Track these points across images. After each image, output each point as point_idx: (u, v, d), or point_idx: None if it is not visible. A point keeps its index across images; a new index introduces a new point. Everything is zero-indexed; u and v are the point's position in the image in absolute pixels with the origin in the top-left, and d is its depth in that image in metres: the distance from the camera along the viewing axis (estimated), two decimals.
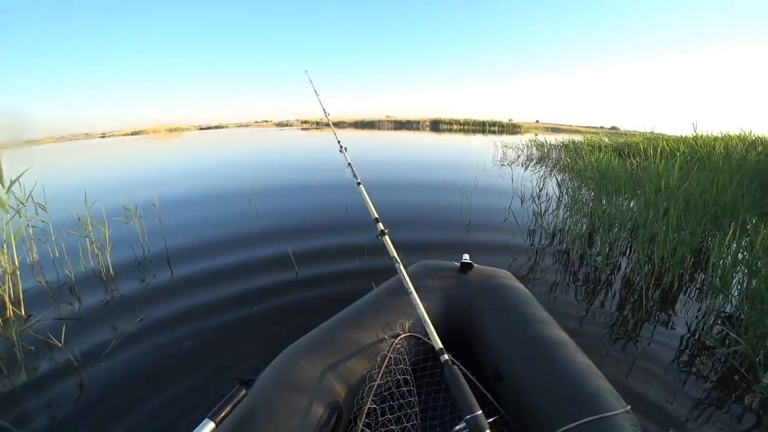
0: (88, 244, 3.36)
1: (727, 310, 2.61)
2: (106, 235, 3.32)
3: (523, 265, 3.29)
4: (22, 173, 3.01)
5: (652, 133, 11.61)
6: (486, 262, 3.22)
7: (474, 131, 33.81)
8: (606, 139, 11.49)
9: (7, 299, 2.52)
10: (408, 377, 1.51)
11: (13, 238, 2.78)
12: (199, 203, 5.62)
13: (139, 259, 3.42)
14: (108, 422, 1.71)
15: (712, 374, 2.05)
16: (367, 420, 1.37)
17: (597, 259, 3.24)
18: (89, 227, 3.42)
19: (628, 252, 3.59)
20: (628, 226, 3.70)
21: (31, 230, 3.38)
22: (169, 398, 1.84)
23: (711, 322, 2.52)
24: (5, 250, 2.78)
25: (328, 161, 10.24)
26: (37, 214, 3.53)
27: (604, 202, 4.38)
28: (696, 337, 2.36)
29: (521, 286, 1.97)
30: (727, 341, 2.25)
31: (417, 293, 1.74)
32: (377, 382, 1.42)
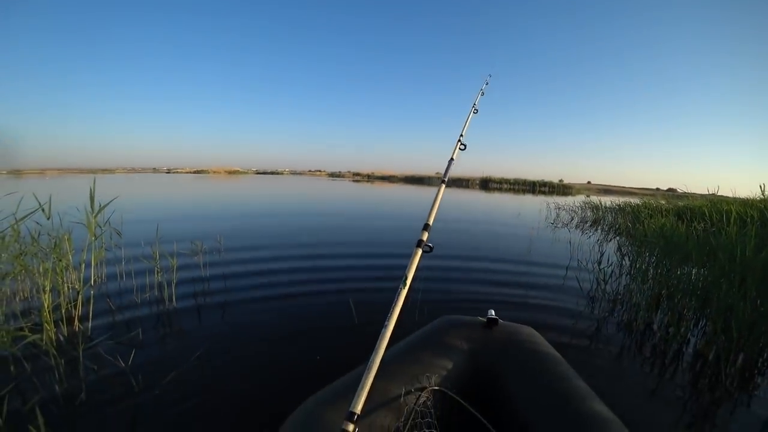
0: (156, 272, 3.54)
1: None
2: (174, 267, 3.49)
3: (585, 331, 3.13)
4: (110, 201, 3.27)
5: (714, 195, 10.98)
6: (545, 325, 3.11)
7: (524, 191, 33.42)
8: (664, 202, 10.97)
9: (75, 316, 2.67)
10: (434, 431, 1.46)
11: (93, 259, 2.97)
12: (260, 243, 5.84)
13: (200, 294, 3.53)
14: None
15: None
16: None
17: (670, 329, 3.02)
18: (157, 257, 3.61)
19: (698, 324, 3.33)
20: (699, 295, 3.46)
21: (104, 254, 3.61)
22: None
23: None
24: (82, 270, 2.97)
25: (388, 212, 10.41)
26: (111, 239, 3.77)
27: (669, 269, 4.15)
28: None
29: (546, 342, 1.96)
30: None
31: (442, 346, 1.82)
32: None
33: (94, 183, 3.07)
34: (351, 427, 0.99)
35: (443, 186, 1.66)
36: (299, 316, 3.21)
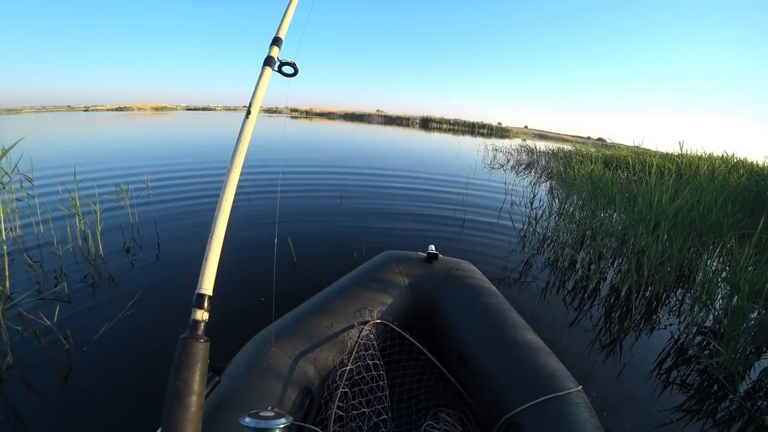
0: (77, 221, 3.27)
1: (708, 323, 2.72)
2: (97, 213, 3.21)
3: (516, 267, 3.35)
4: (15, 143, 2.89)
5: (638, 147, 11.81)
6: (479, 261, 3.28)
7: (463, 132, 33.97)
8: (593, 150, 11.67)
9: None
10: (378, 362, 1.56)
11: (0, 211, 2.67)
12: (189, 184, 5.54)
13: (129, 240, 3.34)
14: (93, 408, 1.66)
15: (692, 381, 2.13)
16: (339, 403, 1.40)
17: (591, 267, 3.31)
18: (78, 204, 3.31)
19: (615, 262, 3.67)
20: (618, 236, 3.79)
21: (15, 204, 3.26)
22: (156, 384, 1.77)
23: (693, 333, 2.62)
24: None
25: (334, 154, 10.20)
26: (22, 187, 3.41)
27: (594, 212, 4.49)
28: (679, 345, 2.45)
29: (483, 276, 2.09)
30: (707, 351, 2.37)
31: (384, 281, 1.89)
32: (348, 367, 1.46)
33: None
34: (200, 313, 0.95)
35: None
36: (237, 255, 3.15)
